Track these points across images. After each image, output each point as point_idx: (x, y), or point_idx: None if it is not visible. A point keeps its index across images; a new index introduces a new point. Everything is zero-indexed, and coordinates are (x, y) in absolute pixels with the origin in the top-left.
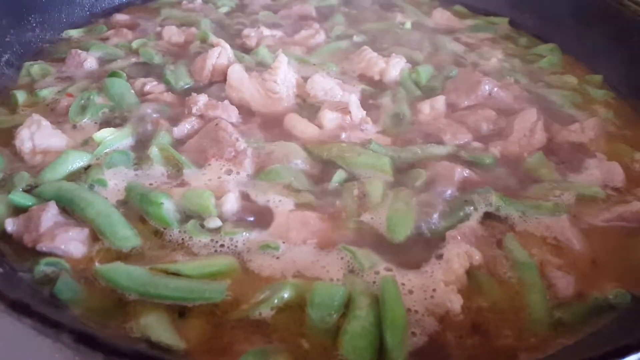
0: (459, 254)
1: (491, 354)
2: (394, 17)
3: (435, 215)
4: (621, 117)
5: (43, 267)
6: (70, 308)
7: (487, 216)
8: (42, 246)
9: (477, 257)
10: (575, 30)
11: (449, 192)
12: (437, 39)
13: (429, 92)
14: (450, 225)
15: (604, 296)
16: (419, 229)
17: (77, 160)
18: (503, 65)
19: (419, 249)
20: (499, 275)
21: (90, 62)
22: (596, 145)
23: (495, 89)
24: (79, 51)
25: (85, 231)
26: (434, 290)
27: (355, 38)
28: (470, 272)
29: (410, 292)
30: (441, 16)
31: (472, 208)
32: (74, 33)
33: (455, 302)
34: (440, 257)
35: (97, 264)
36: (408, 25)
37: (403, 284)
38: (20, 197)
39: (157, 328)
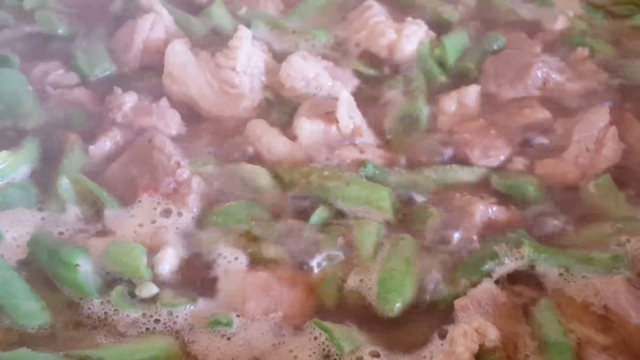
0: (467, 332)
1: None
2: None
3: (443, 277)
4: None
5: None
6: None
7: (516, 274)
8: None
9: (493, 335)
10: None
11: (467, 240)
12: None
13: (458, 78)
14: (463, 290)
15: None
16: (421, 297)
17: None
18: (575, 27)
19: (418, 324)
20: None
21: None
22: None
23: (554, 75)
24: None
25: None
26: None
27: None
28: (482, 356)
29: None
30: None
31: (495, 263)
32: None
33: None
34: (444, 335)
35: None
36: None
37: None
38: None
39: None
